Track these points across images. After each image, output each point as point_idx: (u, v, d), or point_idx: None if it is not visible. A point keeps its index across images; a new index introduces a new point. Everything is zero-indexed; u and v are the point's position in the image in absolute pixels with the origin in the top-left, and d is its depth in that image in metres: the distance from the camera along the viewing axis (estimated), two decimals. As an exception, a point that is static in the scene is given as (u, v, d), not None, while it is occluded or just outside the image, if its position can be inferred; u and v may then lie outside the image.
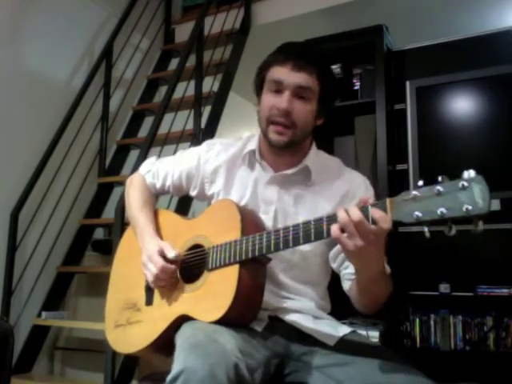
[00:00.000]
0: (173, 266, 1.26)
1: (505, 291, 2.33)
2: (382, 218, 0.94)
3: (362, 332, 1.98)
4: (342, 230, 0.97)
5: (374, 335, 2.18)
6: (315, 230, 1.04)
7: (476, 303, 2.42)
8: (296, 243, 1.08)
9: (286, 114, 1.24)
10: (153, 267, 1.25)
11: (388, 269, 1.20)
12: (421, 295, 2.51)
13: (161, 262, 1.24)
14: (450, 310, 2.46)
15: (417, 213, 0.90)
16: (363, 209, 0.97)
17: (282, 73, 1.24)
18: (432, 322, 2.47)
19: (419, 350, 2.48)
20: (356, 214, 0.95)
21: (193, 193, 1.44)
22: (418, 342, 2.48)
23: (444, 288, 2.45)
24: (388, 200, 0.95)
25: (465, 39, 2.74)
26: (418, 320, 2.50)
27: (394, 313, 2.49)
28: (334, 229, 0.98)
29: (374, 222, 0.95)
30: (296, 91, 1.24)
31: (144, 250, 1.31)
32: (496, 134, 2.49)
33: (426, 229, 0.91)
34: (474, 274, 2.47)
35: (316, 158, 1.35)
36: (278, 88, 1.25)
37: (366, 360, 1.12)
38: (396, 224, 0.95)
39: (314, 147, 1.37)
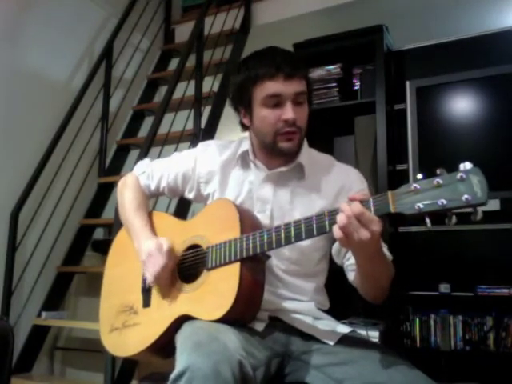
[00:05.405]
0: (172, 264, 1.26)
1: (505, 291, 2.33)
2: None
3: (362, 332, 1.98)
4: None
5: (374, 335, 2.18)
6: (318, 225, 1.06)
7: (476, 303, 2.41)
8: (298, 238, 1.10)
9: (294, 123, 1.26)
10: (153, 266, 1.25)
11: (390, 255, 1.22)
12: (421, 295, 2.51)
13: (161, 259, 1.24)
14: (450, 310, 2.46)
15: (418, 204, 0.93)
16: (364, 203, 0.99)
17: (277, 86, 1.24)
18: (432, 322, 2.47)
19: (419, 350, 2.47)
20: (356, 207, 0.98)
21: (189, 195, 1.44)
22: (418, 342, 2.48)
23: (444, 288, 2.45)
24: (389, 193, 0.97)
25: (465, 39, 2.73)
26: (417, 320, 2.49)
27: (394, 313, 2.49)
28: (341, 218, 0.99)
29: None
30: (294, 99, 1.26)
31: (142, 250, 1.31)
32: (496, 133, 2.49)
33: (427, 219, 0.93)
34: (474, 273, 2.47)
35: (308, 154, 1.37)
36: (277, 101, 1.25)
37: (366, 359, 1.12)
38: (398, 216, 0.97)
39: (305, 145, 1.39)
